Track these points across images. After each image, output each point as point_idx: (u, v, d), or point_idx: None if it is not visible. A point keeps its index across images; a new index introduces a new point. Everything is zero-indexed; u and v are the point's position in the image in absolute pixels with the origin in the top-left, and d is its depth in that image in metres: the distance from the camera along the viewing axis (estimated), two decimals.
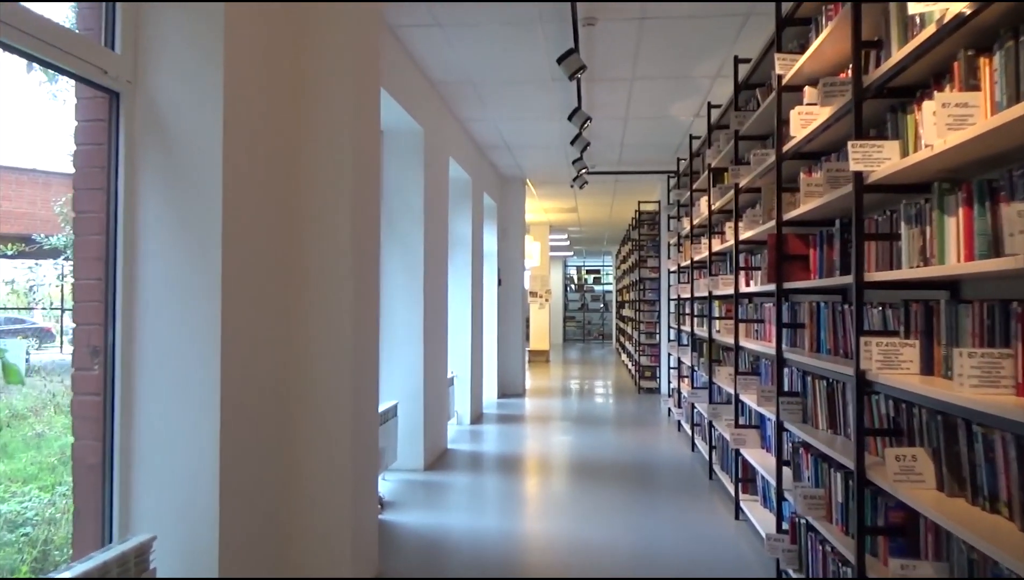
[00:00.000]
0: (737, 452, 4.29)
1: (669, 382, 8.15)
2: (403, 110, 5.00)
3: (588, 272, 25.24)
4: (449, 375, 7.20)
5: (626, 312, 14.42)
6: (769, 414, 3.59)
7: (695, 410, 6.24)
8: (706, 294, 5.52)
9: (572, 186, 9.46)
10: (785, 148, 3.33)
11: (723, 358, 5.18)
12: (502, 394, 9.77)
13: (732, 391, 4.46)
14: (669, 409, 8.17)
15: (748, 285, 4.43)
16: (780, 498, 3.40)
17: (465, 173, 7.28)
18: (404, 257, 5.44)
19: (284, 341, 3.12)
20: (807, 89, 3.21)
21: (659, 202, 10.26)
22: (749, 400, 4.05)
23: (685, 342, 7.23)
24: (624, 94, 5.91)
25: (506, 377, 9.94)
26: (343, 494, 3.16)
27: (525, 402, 9.30)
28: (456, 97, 6.05)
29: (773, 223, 3.41)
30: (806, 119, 3.05)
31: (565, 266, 24.39)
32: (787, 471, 3.38)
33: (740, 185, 4.26)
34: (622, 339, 15.87)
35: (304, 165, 3.18)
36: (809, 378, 3.20)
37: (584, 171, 7.39)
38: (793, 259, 3.36)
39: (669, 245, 8.26)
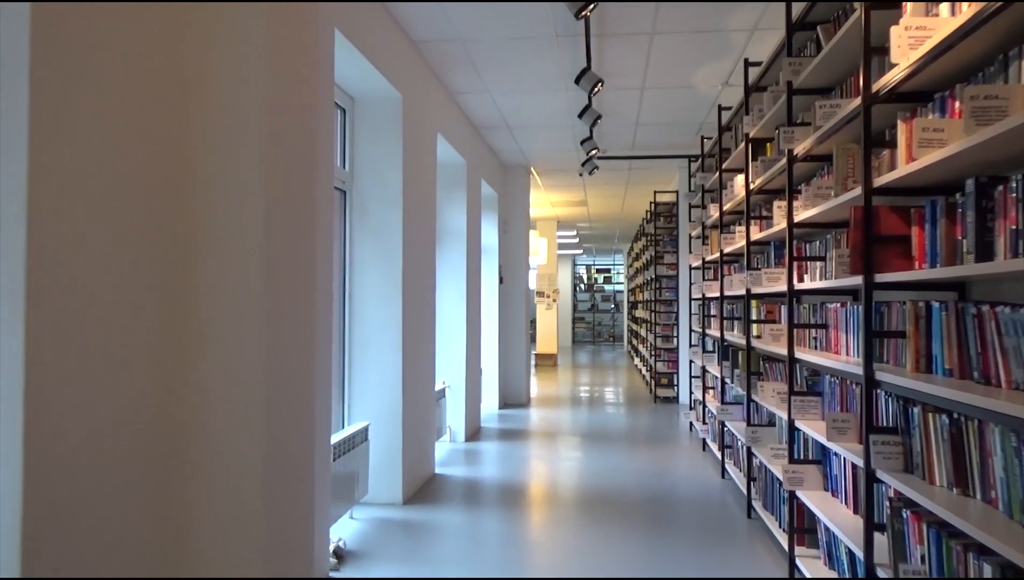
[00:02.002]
0: (792, 494, 3.35)
1: (691, 393, 7.21)
2: (375, 70, 4.09)
3: (598, 271, 24.27)
4: (439, 386, 6.29)
5: (639, 313, 13.47)
6: (845, 452, 2.66)
7: (725, 429, 5.30)
8: (742, 292, 4.58)
9: (581, 175, 8.54)
10: (879, 86, 2.39)
11: (765, 371, 4.24)
12: (504, 404, 8.85)
13: (780, 413, 3.52)
14: (691, 423, 7.23)
15: (802, 280, 3.50)
16: (872, 577, 2.45)
17: (458, 155, 6.36)
18: (378, 247, 4.53)
19: (163, 367, 2.21)
20: (909, 4, 2.28)
21: (677, 192, 9.31)
22: (809, 428, 3.12)
23: (711, 348, 6.29)
24: (641, 56, 4.98)
25: (508, 385, 9.02)
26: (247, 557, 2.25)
27: (530, 413, 8.38)
28: (444, 61, 5.13)
29: (858, 191, 2.47)
30: (916, 37, 2.11)
31: (574, 265, 23.44)
32: (880, 538, 2.45)
33: (795, 152, 3.33)
34: (634, 342, 14.92)
35: (191, 164, 2.28)
36: (915, 409, 2.27)
37: (594, 153, 6.46)
38: (886, 242, 2.43)
39: (691, 238, 7.32)
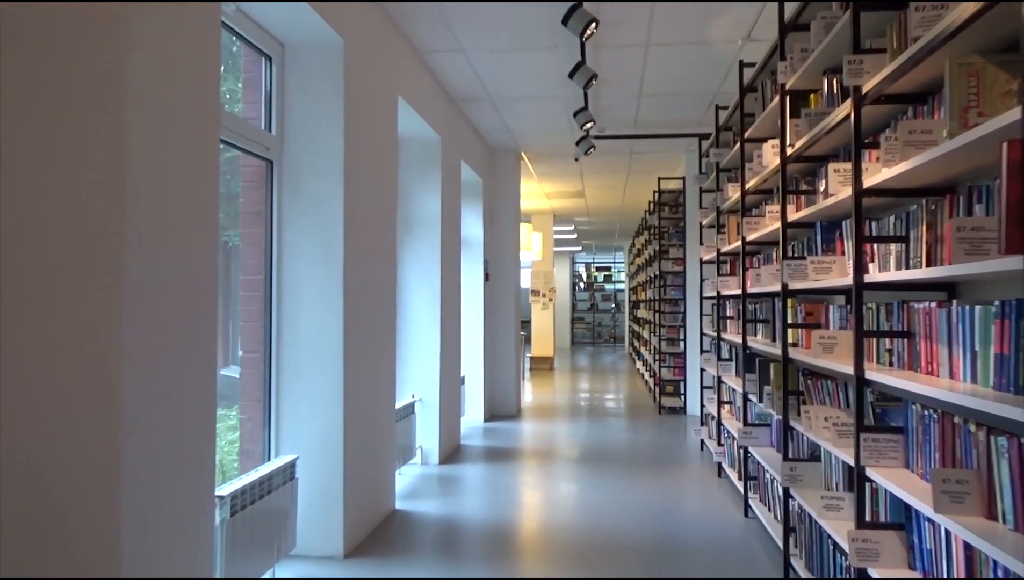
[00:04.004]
0: (862, 572, 2.39)
1: (701, 405, 6.26)
2: (306, 5, 3.15)
3: (598, 269, 23.31)
4: (407, 401, 5.34)
5: (641, 313, 12.52)
6: (967, 534, 1.71)
7: (749, 457, 4.35)
8: (773, 288, 3.63)
9: (577, 159, 7.60)
10: None
11: (808, 390, 3.29)
12: (491, 416, 7.90)
13: (839, 453, 2.57)
14: (702, 441, 6.27)
15: (867, 270, 2.55)
16: None
17: (430, 129, 5.41)
18: (314, 233, 3.58)
19: None
20: None
21: (683, 179, 8.35)
22: (888, 480, 2.17)
23: (727, 355, 5.33)
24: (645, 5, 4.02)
25: (496, 395, 8.07)
26: None
27: (520, 427, 7.42)
28: (404, 10, 4.17)
29: (1016, 116, 1.51)
30: None
31: (573, 263, 22.48)
32: None
33: (865, 89, 2.37)
34: (636, 344, 13.97)
35: None
36: None
37: (590, 126, 5.50)
38: None
39: (701, 228, 6.37)
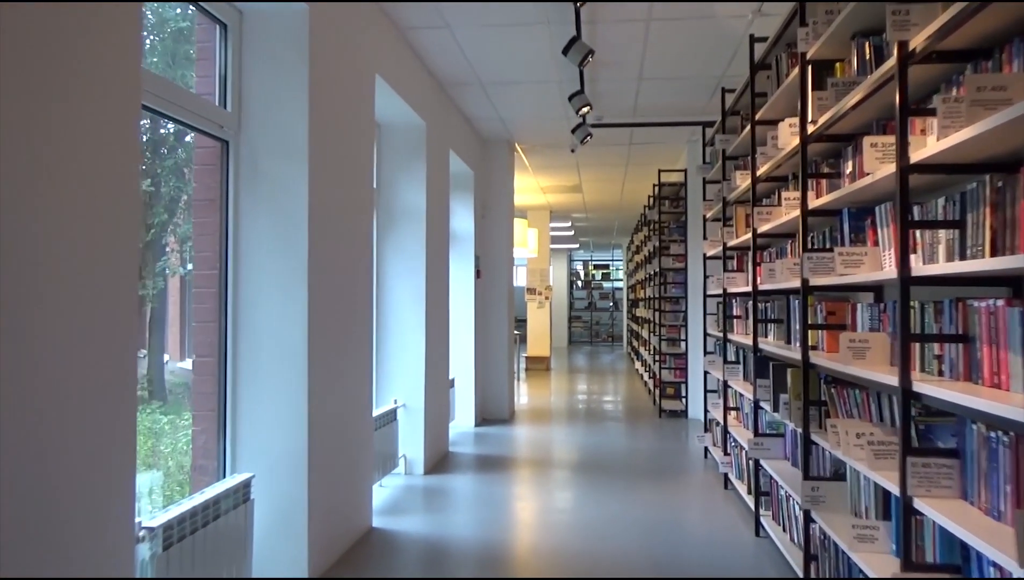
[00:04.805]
0: None
1: (705, 411, 5.87)
2: None
3: (596, 267, 22.92)
4: (388, 407, 4.95)
5: (640, 312, 12.13)
6: None
7: (760, 469, 3.96)
8: (790, 284, 3.24)
9: (573, 150, 7.22)
10: None
11: (831, 400, 2.90)
12: (483, 420, 7.50)
13: (877, 476, 2.19)
14: (706, 448, 5.89)
15: (920, 259, 2.17)
16: None
17: (414, 113, 5.01)
18: (275, 221, 3.18)
19: None
20: None
21: (685, 171, 7.96)
22: (941, 514, 1.78)
23: (734, 358, 4.94)
24: None
25: (488, 398, 7.68)
26: None
27: (512, 432, 7.03)
28: None
29: None
30: None
31: (570, 261, 22.10)
32: None
33: (913, 45, 1.98)
34: (635, 343, 13.59)
35: None
36: None
37: (586, 110, 5.10)
38: None
39: (705, 222, 5.98)
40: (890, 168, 2.13)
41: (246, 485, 2.91)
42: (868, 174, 2.29)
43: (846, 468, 2.85)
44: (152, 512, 2.46)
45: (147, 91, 2.50)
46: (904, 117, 2.01)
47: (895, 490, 2.03)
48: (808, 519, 2.99)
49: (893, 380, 2.04)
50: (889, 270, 2.33)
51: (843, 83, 2.60)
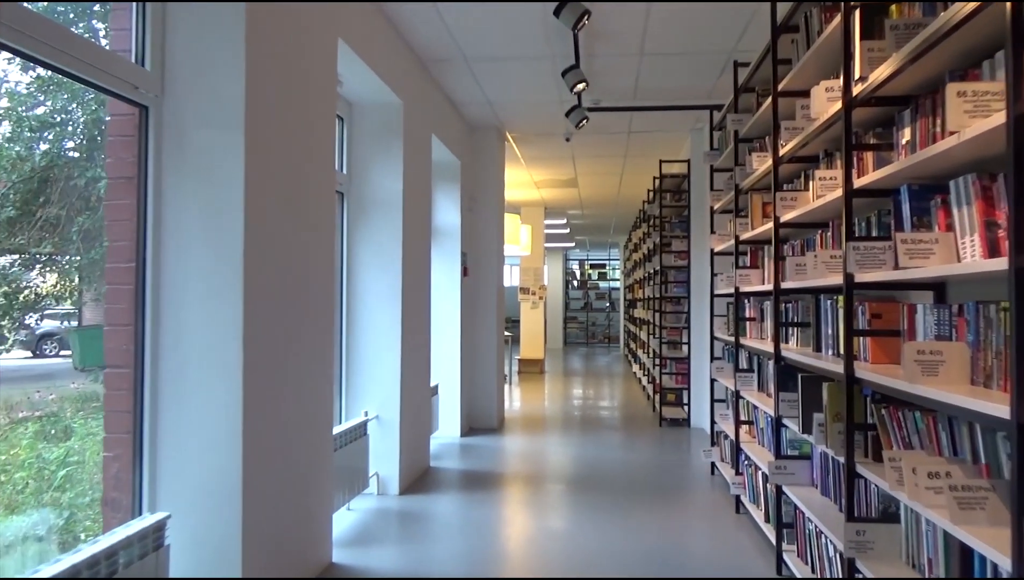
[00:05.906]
0: None
1: (712, 422, 5.33)
2: None
3: (592, 266, 22.38)
4: (360, 419, 4.40)
5: (638, 312, 11.59)
6: None
7: (783, 498, 3.41)
8: (827, 282, 2.69)
9: (568, 139, 6.68)
10: None
11: (881, 423, 2.35)
12: (470, 429, 6.95)
13: (970, 538, 1.65)
14: (712, 464, 5.34)
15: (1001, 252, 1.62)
16: None
17: (388, 90, 4.45)
18: (202, 206, 2.63)
19: None
20: None
21: (688, 162, 7.42)
22: None
23: (747, 366, 4.40)
24: None
25: (475, 406, 7.13)
26: None
27: (501, 443, 6.47)
28: None
29: None
30: None
31: (566, 260, 21.55)
32: None
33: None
34: (632, 345, 13.05)
35: None
36: None
37: (582, 87, 4.55)
38: None
39: (712, 214, 5.44)
40: (986, 123, 1.58)
41: (159, 528, 2.35)
42: (949, 136, 1.75)
43: (900, 506, 2.31)
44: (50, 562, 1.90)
45: (27, 35, 1.96)
46: (1017, 48, 1.46)
47: (1003, 562, 1.48)
48: (852, 567, 2.44)
49: (1003, 411, 1.49)
50: (969, 261, 1.80)
51: (905, 27, 2.06)
